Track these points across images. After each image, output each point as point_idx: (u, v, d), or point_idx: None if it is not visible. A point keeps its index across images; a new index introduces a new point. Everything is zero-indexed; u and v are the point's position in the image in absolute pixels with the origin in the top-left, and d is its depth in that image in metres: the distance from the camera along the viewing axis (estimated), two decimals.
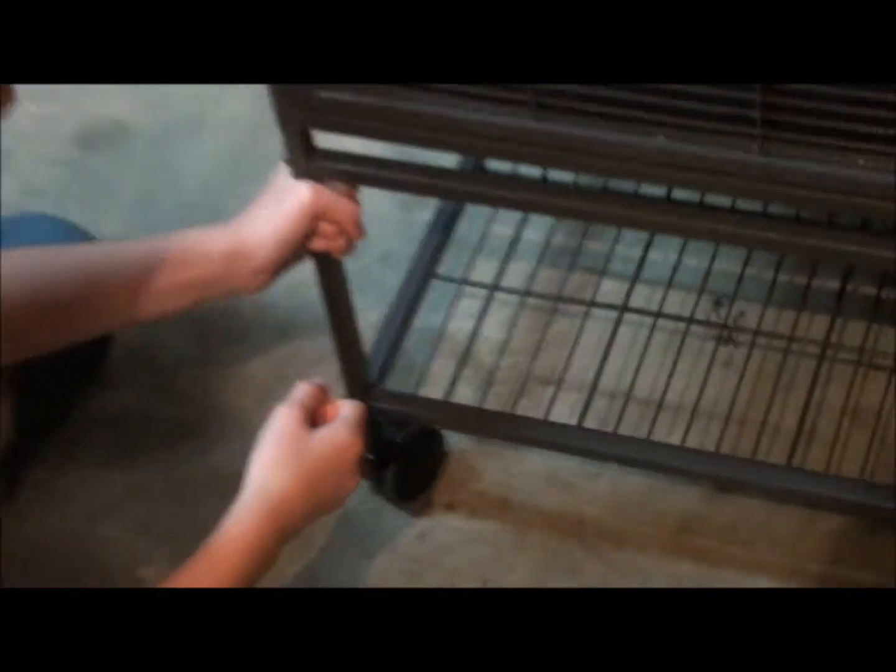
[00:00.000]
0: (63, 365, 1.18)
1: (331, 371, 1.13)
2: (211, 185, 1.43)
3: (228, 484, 0.99)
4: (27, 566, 1.17)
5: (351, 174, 0.98)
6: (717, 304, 1.23)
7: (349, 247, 1.04)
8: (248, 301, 1.23)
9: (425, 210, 1.29)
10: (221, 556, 0.95)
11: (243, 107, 1.46)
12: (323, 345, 1.19)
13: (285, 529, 0.98)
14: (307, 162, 0.97)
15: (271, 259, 1.03)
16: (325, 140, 0.96)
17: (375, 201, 1.13)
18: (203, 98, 1.49)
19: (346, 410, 1.03)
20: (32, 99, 1.40)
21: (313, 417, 1.02)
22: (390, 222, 1.34)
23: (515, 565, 1.15)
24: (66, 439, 1.25)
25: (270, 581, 0.97)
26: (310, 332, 1.29)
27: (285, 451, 1.00)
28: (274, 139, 0.96)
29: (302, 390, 1.02)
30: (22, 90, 0.80)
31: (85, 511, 1.23)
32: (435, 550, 1.18)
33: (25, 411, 1.20)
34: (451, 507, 1.19)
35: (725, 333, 1.21)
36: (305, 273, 1.04)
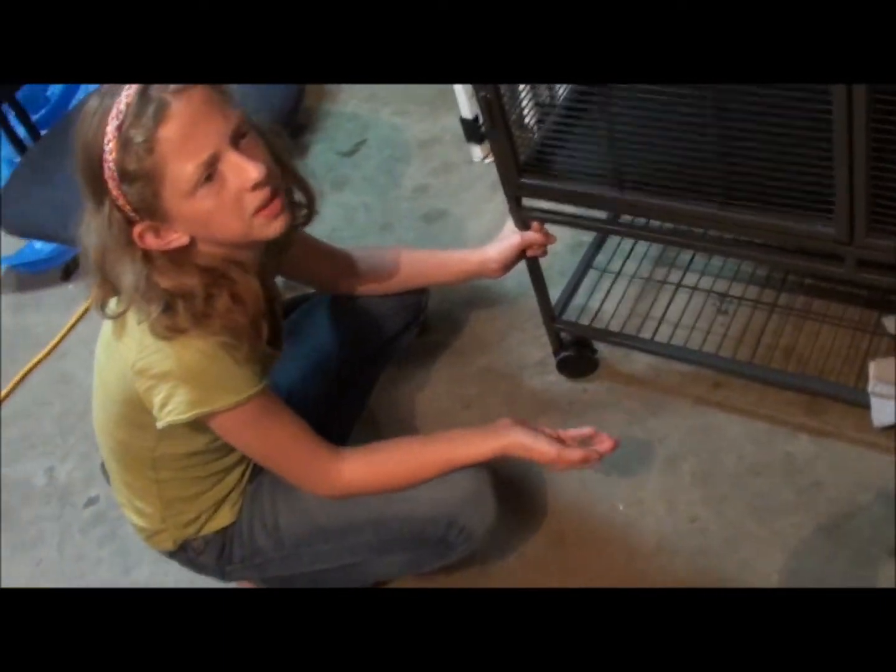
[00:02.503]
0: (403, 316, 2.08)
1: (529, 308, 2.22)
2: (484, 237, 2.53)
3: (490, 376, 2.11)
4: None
5: (541, 218, 1.92)
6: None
7: (544, 254, 2.00)
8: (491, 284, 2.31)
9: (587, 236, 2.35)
10: (466, 450, 1.66)
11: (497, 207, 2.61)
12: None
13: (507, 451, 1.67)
14: (518, 211, 1.89)
15: (499, 263, 1.95)
16: (528, 202, 1.89)
17: (557, 232, 2.00)
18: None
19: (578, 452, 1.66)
20: None
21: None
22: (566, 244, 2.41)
23: (631, 401, 2.15)
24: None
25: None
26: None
27: (541, 449, 1.65)
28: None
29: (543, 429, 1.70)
30: None
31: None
32: (592, 396, 2.18)
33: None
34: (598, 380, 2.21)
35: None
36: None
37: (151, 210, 1.41)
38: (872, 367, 1.90)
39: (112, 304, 1.51)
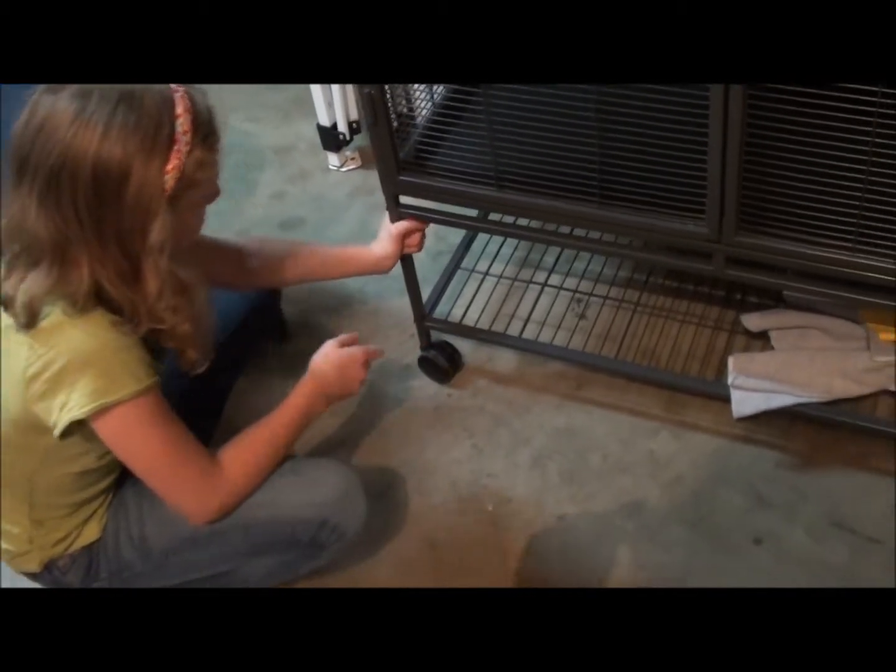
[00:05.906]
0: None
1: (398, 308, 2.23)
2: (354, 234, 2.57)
3: None
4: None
5: (417, 215, 1.94)
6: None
7: (419, 248, 2.01)
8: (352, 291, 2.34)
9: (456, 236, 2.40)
10: (294, 401, 1.69)
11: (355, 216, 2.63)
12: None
13: (325, 393, 1.71)
14: (396, 210, 1.92)
15: (389, 258, 1.95)
16: (406, 199, 1.92)
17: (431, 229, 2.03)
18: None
19: (356, 346, 1.77)
20: None
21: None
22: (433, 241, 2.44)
23: (496, 404, 2.17)
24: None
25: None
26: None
27: (326, 356, 1.73)
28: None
29: (342, 336, 1.77)
30: None
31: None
32: (456, 400, 2.19)
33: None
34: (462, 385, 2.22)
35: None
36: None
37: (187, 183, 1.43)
38: (731, 361, 1.99)
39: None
